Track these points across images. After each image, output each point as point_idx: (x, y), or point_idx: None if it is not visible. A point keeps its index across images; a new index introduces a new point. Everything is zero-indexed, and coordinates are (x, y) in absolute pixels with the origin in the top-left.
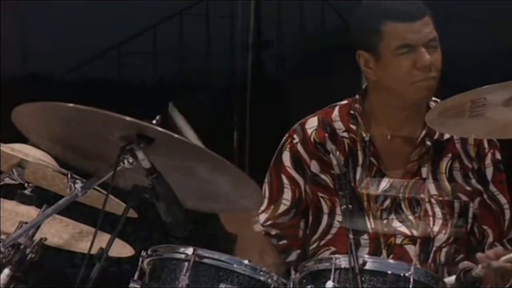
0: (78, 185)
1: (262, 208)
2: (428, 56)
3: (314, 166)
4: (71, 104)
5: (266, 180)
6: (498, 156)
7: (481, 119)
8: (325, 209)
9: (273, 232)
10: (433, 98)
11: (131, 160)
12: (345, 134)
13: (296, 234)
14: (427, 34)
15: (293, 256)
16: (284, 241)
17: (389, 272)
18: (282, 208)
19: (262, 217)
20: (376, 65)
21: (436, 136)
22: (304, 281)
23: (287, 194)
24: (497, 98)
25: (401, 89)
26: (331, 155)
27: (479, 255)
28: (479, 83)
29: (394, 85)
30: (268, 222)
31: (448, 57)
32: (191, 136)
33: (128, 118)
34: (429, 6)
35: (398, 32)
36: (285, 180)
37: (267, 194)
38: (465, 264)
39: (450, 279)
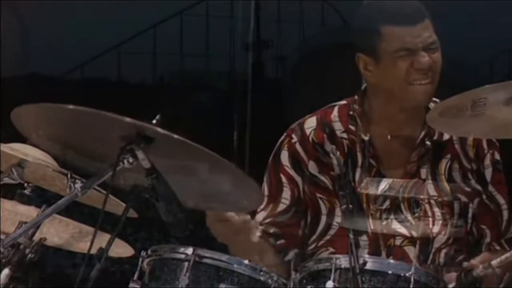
0: (78, 185)
1: (262, 206)
2: (428, 58)
3: (312, 167)
4: (71, 106)
5: (265, 179)
6: (497, 156)
7: (482, 118)
8: (324, 209)
9: (272, 230)
10: (433, 99)
11: (131, 160)
12: (344, 135)
13: (294, 233)
14: (427, 38)
15: (290, 255)
16: (282, 241)
17: (390, 272)
18: (281, 206)
19: (261, 215)
20: (375, 68)
21: (435, 137)
22: (304, 281)
23: (286, 193)
24: (498, 98)
25: (400, 90)
26: (331, 155)
27: (466, 264)
28: (479, 83)
29: (393, 86)
30: (267, 220)
31: (448, 57)
32: None
33: (127, 119)
34: (428, 6)
35: (398, 35)
36: (283, 179)
37: (266, 193)
38: (452, 277)
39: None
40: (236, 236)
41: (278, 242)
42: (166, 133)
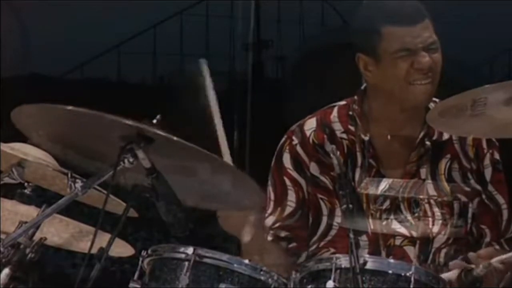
0: (78, 184)
1: (269, 211)
2: (428, 58)
3: (314, 168)
4: (70, 107)
5: (269, 182)
6: (497, 156)
7: (482, 118)
8: (325, 210)
9: (283, 234)
10: (433, 99)
11: (131, 160)
12: (344, 136)
13: (303, 235)
14: (427, 38)
15: (303, 257)
16: (294, 244)
17: (390, 271)
18: (288, 210)
19: (270, 219)
20: (375, 68)
21: (435, 137)
22: (305, 281)
23: (291, 196)
24: (498, 97)
25: (400, 90)
26: (331, 155)
27: (470, 254)
28: (479, 83)
29: (393, 87)
30: (277, 225)
31: (448, 57)
32: (215, 107)
33: (127, 122)
34: (428, 6)
35: (398, 36)
36: (287, 182)
37: (272, 197)
38: (456, 263)
39: (447, 275)
40: (246, 220)
41: (290, 246)
42: (166, 135)
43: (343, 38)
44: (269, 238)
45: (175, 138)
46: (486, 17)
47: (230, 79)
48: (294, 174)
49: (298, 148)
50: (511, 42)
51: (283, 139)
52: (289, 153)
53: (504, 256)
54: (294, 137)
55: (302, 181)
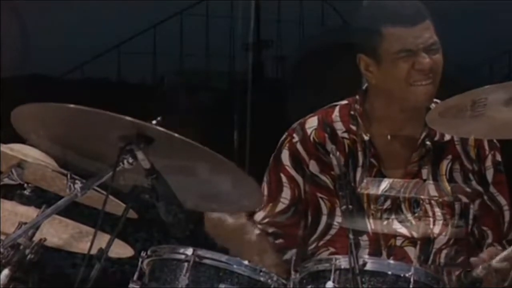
0: (78, 185)
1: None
2: (428, 59)
3: (313, 166)
4: (71, 105)
5: (265, 178)
6: (498, 157)
7: (482, 118)
8: (324, 209)
9: (270, 230)
10: (434, 100)
11: (130, 161)
12: (345, 135)
13: (294, 233)
14: (428, 38)
15: (289, 255)
16: (281, 240)
17: (389, 272)
18: (281, 206)
19: (260, 214)
20: (376, 69)
21: (436, 138)
22: (304, 281)
23: (286, 193)
24: (498, 98)
25: (400, 91)
26: (331, 155)
27: (472, 259)
28: (479, 83)
29: (394, 87)
30: (266, 220)
31: (449, 57)
32: None
33: (128, 118)
34: (429, 6)
35: (399, 36)
36: (284, 179)
37: (265, 193)
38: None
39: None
40: (234, 239)
41: (277, 242)
42: (167, 132)
43: (343, 38)
44: (256, 232)
45: (176, 135)
46: (486, 17)
47: (230, 79)
48: (292, 172)
49: (298, 146)
50: (511, 42)
51: (284, 136)
52: (289, 150)
53: (504, 254)
54: (294, 135)
55: (299, 179)
